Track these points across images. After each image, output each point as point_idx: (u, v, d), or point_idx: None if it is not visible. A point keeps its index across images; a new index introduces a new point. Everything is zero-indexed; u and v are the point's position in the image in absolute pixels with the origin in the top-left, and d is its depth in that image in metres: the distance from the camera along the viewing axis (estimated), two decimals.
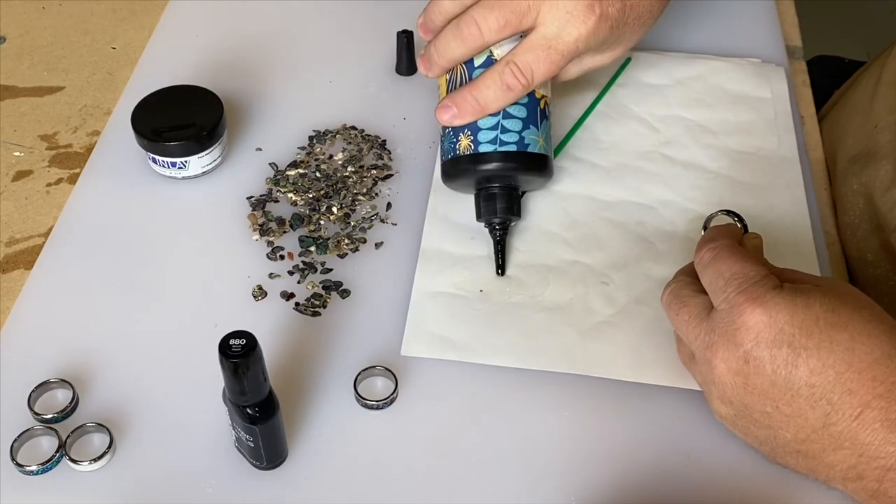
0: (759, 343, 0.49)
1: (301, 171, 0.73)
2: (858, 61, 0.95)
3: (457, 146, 0.66)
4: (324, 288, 0.66)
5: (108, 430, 0.57)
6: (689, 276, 0.57)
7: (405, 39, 0.79)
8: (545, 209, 0.70)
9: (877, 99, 0.78)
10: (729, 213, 0.62)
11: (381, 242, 0.69)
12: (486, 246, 0.68)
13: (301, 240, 0.68)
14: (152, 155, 0.70)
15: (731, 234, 0.57)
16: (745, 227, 0.61)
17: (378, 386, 0.61)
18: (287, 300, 0.65)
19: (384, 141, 0.76)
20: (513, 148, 0.65)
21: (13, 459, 0.56)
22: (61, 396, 0.59)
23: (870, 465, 0.47)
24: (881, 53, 0.87)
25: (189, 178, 0.72)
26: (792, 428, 0.50)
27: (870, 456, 0.47)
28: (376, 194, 0.72)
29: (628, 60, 0.80)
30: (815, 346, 0.48)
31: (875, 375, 0.47)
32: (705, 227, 0.62)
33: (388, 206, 0.71)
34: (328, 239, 0.68)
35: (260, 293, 0.65)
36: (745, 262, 0.52)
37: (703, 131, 0.76)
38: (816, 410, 0.48)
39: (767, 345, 0.49)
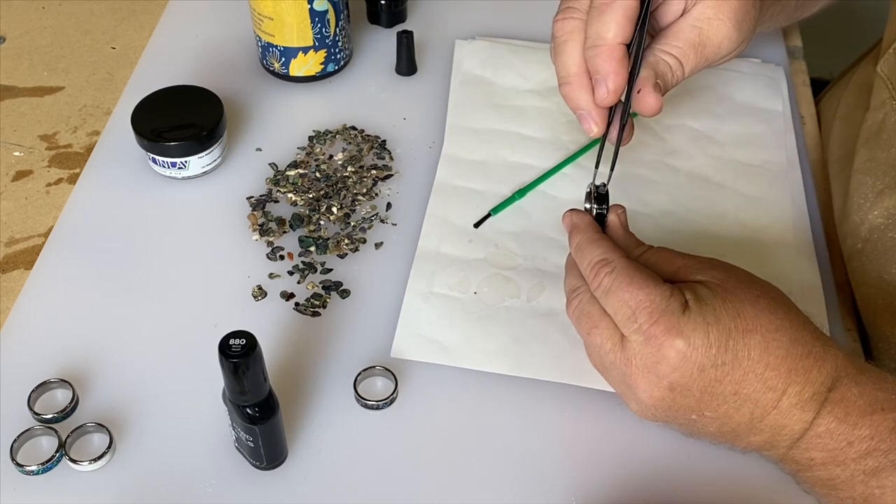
0: (682, 372, 0.50)
1: (301, 171, 0.73)
2: (824, 80, 0.90)
3: None
4: (324, 288, 0.66)
5: (107, 430, 0.57)
6: (588, 288, 0.54)
7: (405, 39, 0.79)
8: (545, 214, 0.70)
9: (834, 130, 0.76)
10: (596, 192, 0.58)
11: (381, 243, 0.69)
12: (483, 249, 0.68)
13: (301, 240, 0.68)
14: (152, 155, 0.70)
15: (590, 228, 0.56)
16: (606, 197, 0.58)
17: (378, 386, 0.61)
18: (287, 300, 0.65)
19: (384, 141, 0.76)
20: None
21: (13, 459, 0.56)
22: (61, 396, 0.59)
23: (782, 437, 0.51)
24: (840, 78, 0.84)
25: (189, 178, 0.72)
26: (716, 425, 0.52)
27: (783, 433, 0.50)
28: (376, 194, 0.72)
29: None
30: (734, 357, 0.49)
31: (789, 367, 0.49)
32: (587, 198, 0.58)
33: (388, 206, 0.71)
34: (328, 239, 0.68)
35: (260, 293, 0.65)
36: (648, 288, 0.50)
37: (711, 142, 0.75)
38: (742, 411, 0.50)
39: (691, 371, 0.50)
